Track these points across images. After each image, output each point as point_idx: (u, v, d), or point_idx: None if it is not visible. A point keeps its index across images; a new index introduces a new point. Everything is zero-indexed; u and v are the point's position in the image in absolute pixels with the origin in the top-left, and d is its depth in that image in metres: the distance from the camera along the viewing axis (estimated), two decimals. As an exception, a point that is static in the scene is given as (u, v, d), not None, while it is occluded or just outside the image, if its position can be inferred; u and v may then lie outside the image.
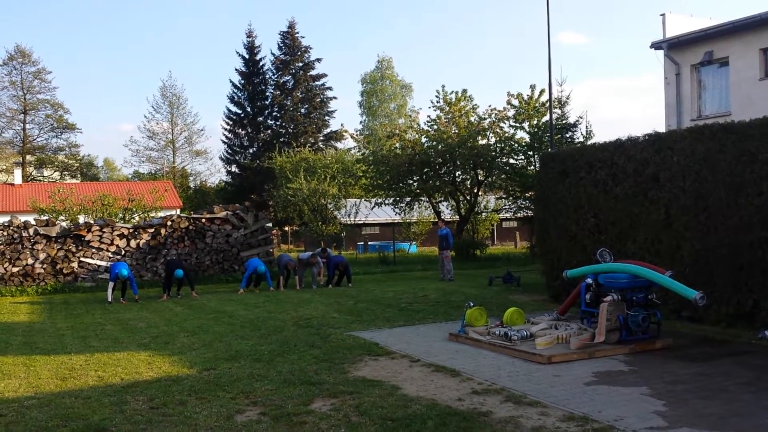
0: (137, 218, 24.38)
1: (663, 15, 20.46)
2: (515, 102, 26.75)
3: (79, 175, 57.94)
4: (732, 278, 9.77)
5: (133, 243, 19.17)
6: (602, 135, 33.44)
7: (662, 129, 17.84)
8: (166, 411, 6.39)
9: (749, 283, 9.57)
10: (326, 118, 49.79)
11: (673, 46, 19.95)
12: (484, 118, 26.99)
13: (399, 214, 31.72)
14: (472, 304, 10.36)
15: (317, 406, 6.43)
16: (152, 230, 19.46)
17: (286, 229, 42.33)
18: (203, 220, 19.96)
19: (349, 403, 6.44)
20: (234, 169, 49.93)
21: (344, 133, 41.25)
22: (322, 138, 49.49)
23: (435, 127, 27.32)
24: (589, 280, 9.45)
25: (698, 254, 10.26)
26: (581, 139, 25.16)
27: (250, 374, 7.77)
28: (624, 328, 8.67)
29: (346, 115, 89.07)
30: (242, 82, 49.21)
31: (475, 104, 27.94)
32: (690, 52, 19.71)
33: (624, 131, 54.74)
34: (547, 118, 24.11)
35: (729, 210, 9.81)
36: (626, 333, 8.68)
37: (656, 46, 20.39)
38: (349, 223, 33.16)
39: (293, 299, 15.05)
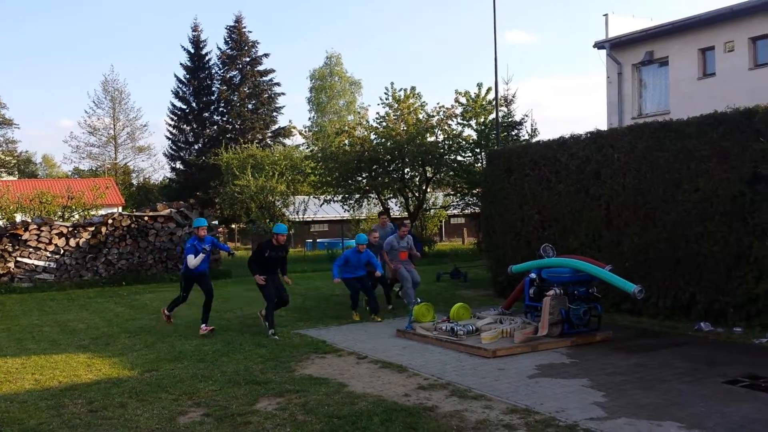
0: (77, 216, 23.59)
1: (606, 15, 20.97)
2: (463, 100, 26.96)
3: (16, 172, 55.79)
4: (670, 272, 10.09)
5: (72, 242, 18.56)
6: (547, 133, 34.44)
7: (605, 127, 18.33)
8: (106, 414, 6.21)
9: (686, 276, 9.90)
10: (274, 114, 49.16)
11: (615, 46, 20.49)
12: (433, 116, 27.12)
13: (348, 211, 31.63)
14: (419, 301, 10.43)
15: (262, 405, 6.35)
16: (93, 229, 18.87)
17: (233, 226, 41.70)
18: (146, 218, 19.48)
19: (295, 402, 6.39)
20: (179, 165, 48.81)
21: (292, 130, 40.90)
22: (269, 134, 48.84)
23: (384, 124, 27.31)
24: (533, 275, 9.62)
25: (638, 249, 10.56)
26: (527, 137, 25.57)
27: (194, 375, 7.62)
28: (566, 321, 8.86)
29: (294, 111, 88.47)
30: (187, 77, 48.15)
31: (424, 101, 28.03)
32: (631, 51, 20.27)
33: (569, 129, 56.31)
34: (494, 116, 24.42)
35: (667, 206, 10.13)
36: (568, 326, 8.87)
37: (599, 45, 20.89)
38: (297, 220, 32.87)
39: (241, 297, 14.83)
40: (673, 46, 19.16)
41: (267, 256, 10.16)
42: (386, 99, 27.97)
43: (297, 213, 32.29)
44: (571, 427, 5.45)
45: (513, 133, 25.71)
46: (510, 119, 26.07)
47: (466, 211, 29.06)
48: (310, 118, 55.45)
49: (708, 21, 18.01)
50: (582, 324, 8.94)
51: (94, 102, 74.80)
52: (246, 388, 6.96)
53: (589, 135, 11.70)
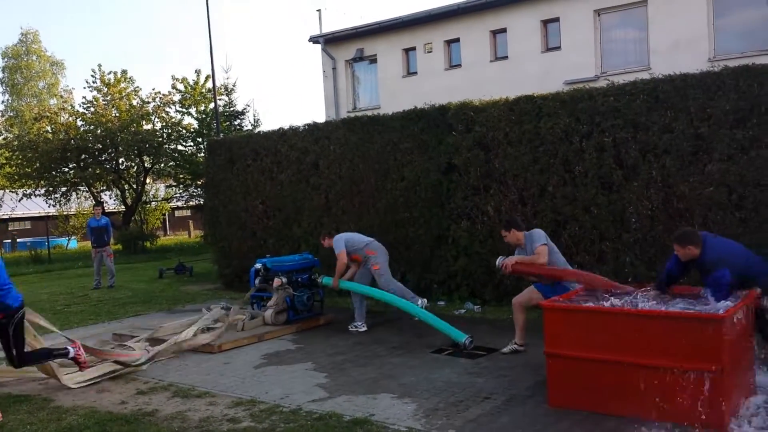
0: None
1: (319, 11, 21.79)
2: (181, 86, 26.02)
3: None
4: (383, 255, 10.88)
5: None
6: (270, 123, 34.69)
7: (325, 119, 19.10)
8: None
9: (398, 258, 10.72)
10: (-44, 96, 42.40)
11: (329, 42, 21.37)
12: (148, 102, 25.74)
13: (54, 206, 28.53)
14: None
15: (-56, 437, 5.42)
16: None
17: None
18: None
19: (-12, 427, 5.57)
20: None
21: (-20, 114, 35.58)
22: (-50, 119, 41.97)
23: (92, 109, 25.15)
24: (258, 265, 9.64)
25: (354, 235, 11.21)
26: (250, 127, 25.57)
27: None
28: (291, 308, 9.08)
29: (-17, 93, 76.35)
30: None
31: (138, 86, 26.56)
32: (344, 48, 21.34)
33: (291, 120, 57.50)
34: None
35: (378, 194, 10.91)
36: (293, 313, 9.11)
37: (314, 40, 21.62)
38: (-10, 218, 28.74)
39: None
40: (380, 45, 20.62)
41: None
42: (94, 82, 25.83)
43: (-11, 210, 28.22)
44: (295, 411, 5.59)
45: (235, 123, 25.49)
46: (232, 109, 25.81)
47: (191, 203, 28.14)
48: (3, 102, 48.68)
49: (410, 23, 19.69)
50: (306, 309, 9.23)
51: None
52: None
53: (306, 127, 12.09)
